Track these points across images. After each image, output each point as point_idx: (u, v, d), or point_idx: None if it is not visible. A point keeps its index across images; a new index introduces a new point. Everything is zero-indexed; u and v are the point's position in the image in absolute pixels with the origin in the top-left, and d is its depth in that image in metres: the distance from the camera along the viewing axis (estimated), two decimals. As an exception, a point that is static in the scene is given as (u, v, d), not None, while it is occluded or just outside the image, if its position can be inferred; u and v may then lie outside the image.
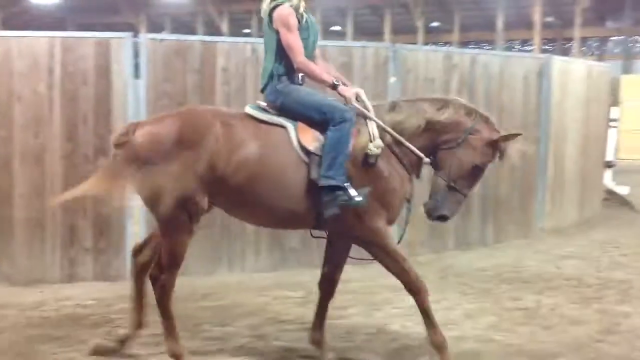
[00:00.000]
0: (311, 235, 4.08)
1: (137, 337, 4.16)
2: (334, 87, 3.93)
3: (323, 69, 4.08)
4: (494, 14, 28.02)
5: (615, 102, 18.40)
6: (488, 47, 27.96)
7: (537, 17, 25.30)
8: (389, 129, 3.88)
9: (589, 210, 9.23)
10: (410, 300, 3.92)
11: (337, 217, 3.76)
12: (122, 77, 5.89)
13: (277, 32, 3.95)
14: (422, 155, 3.90)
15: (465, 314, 5.10)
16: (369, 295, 5.57)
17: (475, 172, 3.94)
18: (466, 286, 5.90)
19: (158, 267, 3.94)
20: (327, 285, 4.18)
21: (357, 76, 6.47)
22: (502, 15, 27.76)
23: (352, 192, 3.71)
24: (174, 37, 6.85)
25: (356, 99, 3.91)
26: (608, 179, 10.60)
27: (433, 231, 6.96)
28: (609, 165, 10.42)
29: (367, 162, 3.82)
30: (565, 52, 26.94)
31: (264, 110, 3.99)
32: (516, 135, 3.93)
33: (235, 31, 32.50)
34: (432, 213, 3.93)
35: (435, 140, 3.95)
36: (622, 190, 10.74)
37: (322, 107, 3.88)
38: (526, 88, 7.91)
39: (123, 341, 4.13)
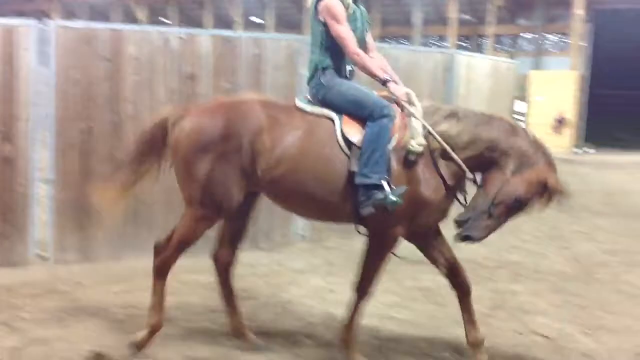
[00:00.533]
0: (357, 231, 3.92)
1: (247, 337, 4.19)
2: (384, 82, 3.85)
3: (377, 63, 4.00)
4: (412, 10, 28.77)
5: (523, 97, 19.43)
6: (405, 43, 28.63)
7: (452, 14, 26.16)
8: (434, 133, 3.72)
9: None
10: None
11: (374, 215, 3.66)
12: (27, 64, 5.81)
13: (324, 24, 3.90)
14: (465, 168, 3.72)
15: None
16: (276, 278, 5.77)
17: (517, 205, 3.69)
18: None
19: (168, 241, 3.96)
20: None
21: (268, 66, 6.64)
22: (420, 11, 28.58)
23: (388, 190, 3.60)
24: (83, 24, 6.80)
25: (406, 99, 3.82)
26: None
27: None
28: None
29: (406, 160, 3.70)
30: (480, 49, 27.88)
31: (310, 102, 3.98)
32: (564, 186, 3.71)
33: (155, 21, 31.92)
34: (461, 227, 3.70)
35: (490, 158, 3.73)
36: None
37: (363, 102, 3.82)
38: (433, 82, 8.28)
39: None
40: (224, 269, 4.19)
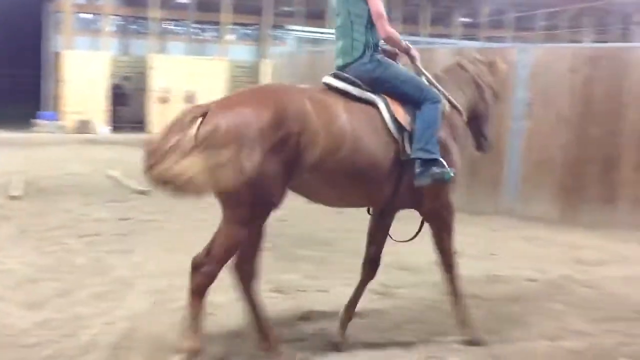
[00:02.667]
0: (368, 212, 4.24)
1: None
2: (408, 52, 4.17)
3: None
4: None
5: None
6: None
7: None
8: (454, 102, 4.26)
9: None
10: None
11: (415, 190, 3.91)
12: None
13: (366, 2, 3.94)
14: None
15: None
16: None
17: None
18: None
19: (206, 254, 3.54)
20: (371, 266, 4.23)
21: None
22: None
23: (445, 164, 3.87)
24: None
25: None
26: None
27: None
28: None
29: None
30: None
31: (349, 81, 3.94)
32: None
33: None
34: None
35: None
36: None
37: (421, 85, 4.04)
38: None
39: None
40: (247, 281, 3.83)
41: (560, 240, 7.52)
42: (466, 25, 31.50)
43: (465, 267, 5.95)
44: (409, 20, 28.50)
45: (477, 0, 29.55)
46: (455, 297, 4.21)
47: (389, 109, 3.89)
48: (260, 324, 3.86)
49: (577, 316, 4.91)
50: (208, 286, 3.51)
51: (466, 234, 7.66)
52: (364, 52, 3.97)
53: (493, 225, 8.31)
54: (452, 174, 3.90)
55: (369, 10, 3.95)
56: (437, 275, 4.47)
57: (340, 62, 4.06)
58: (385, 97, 3.93)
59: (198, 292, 3.49)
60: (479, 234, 7.72)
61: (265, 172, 3.41)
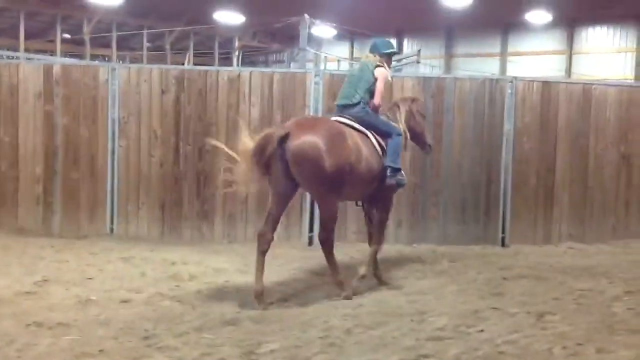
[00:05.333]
0: (356, 204, 6.88)
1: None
2: (377, 109, 6.61)
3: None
4: None
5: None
6: None
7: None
8: (407, 130, 6.89)
9: None
10: None
11: (386, 188, 6.45)
12: None
13: (375, 80, 6.50)
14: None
15: None
16: None
17: None
18: None
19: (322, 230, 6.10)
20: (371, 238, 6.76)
21: None
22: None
23: (404, 174, 6.56)
24: None
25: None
26: None
27: None
28: None
29: None
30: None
31: (353, 121, 6.37)
32: None
33: None
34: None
35: None
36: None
37: (388, 125, 6.62)
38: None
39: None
40: (267, 244, 5.90)
41: (159, 258, 7.59)
42: (69, 41, 30.42)
43: (57, 294, 5.66)
44: (5, 34, 26.30)
45: (81, 16, 28.78)
46: (373, 256, 6.62)
47: (375, 138, 6.42)
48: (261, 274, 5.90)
49: (165, 332, 4.96)
50: (333, 244, 6.10)
51: (62, 260, 7.36)
52: (359, 103, 6.42)
53: (92, 249, 8.04)
54: (406, 181, 6.59)
55: (373, 82, 6.50)
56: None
57: (341, 102, 6.54)
58: (371, 131, 6.43)
59: (330, 250, 6.05)
60: (77, 259, 7.46)
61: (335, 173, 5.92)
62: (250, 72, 9.01)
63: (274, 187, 5.93)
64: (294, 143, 5.63)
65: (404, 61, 20.98)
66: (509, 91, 8.93)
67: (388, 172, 6.34)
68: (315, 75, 8.90)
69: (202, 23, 28.52)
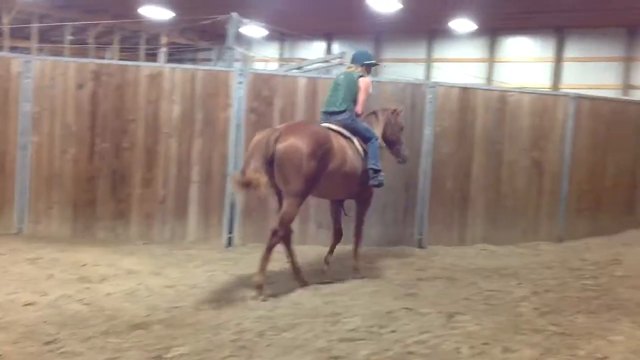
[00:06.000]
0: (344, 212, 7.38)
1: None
2: (360, 115, 7.20)
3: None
4: None
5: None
6: None
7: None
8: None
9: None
10: None
11: (368, 188, 7.09)
12: None
13: (358, 90, 7.09)
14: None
15: None
16: None
17: None
18: None
19: (278, 223, 6.25)
20: (338, 235, 7.35)
21: None
22: None
23: (383, 174, 7.09)
24: None
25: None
26: None
27: None
28: None
29: None
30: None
31: (338, 126, 6.95)
32: None
33: None
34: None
35: None
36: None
37: (369, 131, 7.15)
38: None
39: None
40: (288, 237, 6.63)
41: (69, 259, 7.31)
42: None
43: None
44: None
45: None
46: (357, 251, 7.33)
47: (359, 142, 7.02)
48: (294, 265, 6.79)
49: (70, 336, 4.79)
50: (279, 241, 6.33)
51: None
52: (344, 110, 7.02)
53: (-1, 249, 7.67)
54: (385, 181, 7.14)
55: (357, 92, 7.10)
56: None
57: (328, 109, 7.12)
58: (356, 136, 7.04)
59: (271, 246, 6.21)
60: (-20, 260, 7.05)
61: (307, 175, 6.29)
62: (172, 69, 8.83)
63: (275, 187, 6.38)
64: (283, 144, 6.13)
65: (333, 62, 21.05)
66: (430, 96, 9.10)
67: (370, 174, 6.94)
68: (239, 74, 8.80)
69: (129, 18, 27.84)
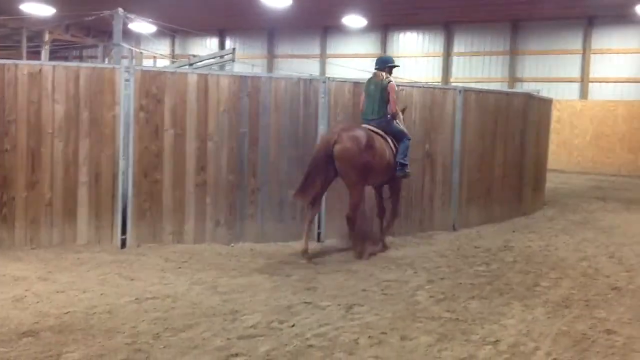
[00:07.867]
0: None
1: None
2: (395, 115, 8.58)
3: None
4: None
5: None
6: None
7: None
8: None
9: None
10: None
11: (397, 178, 8.54)
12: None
13: (388, 94, 8.38)
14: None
15: None
16: None
17: None
18: None
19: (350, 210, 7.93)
20: (382, 212, 8.86)
21: None
22: None
23: (409, 169, 8.60)
24: None
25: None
26: None
27: None
28: None
29: None
30: None
31: (378, 128, 8.38)
32: None
33: None
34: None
35: None
36: None
37: (403, 132, 8.57)
38: None
39: None
40: (313, 215, 8.35)
41: (-54, 269, 6.82)
42: None
43: None
44: None
45: None
46: (389, 227, 8.88)
47: (392, 141, 8.43)
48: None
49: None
50: (356, 221, 8.11)
51: None
52: (380, 116, 8.41)
53: None
54: (410, 174, 8.66)
55: (387, 97, 8.38)
56: None
57: (369, 117, 8.48)
58: (390, 136, 8.46)
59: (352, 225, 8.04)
60: None
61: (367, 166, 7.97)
62: (54, 67, 8.38)
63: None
64: (339, 146, 7.78)
65: (225, 57, 20.81)
66: (322, 91, 9.17)
67: (398, 167, 8.37)
68: (125, 72, 8.48)
69: (8, 14, 26.29)
